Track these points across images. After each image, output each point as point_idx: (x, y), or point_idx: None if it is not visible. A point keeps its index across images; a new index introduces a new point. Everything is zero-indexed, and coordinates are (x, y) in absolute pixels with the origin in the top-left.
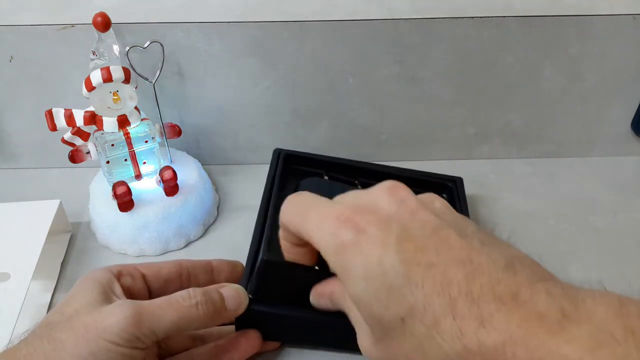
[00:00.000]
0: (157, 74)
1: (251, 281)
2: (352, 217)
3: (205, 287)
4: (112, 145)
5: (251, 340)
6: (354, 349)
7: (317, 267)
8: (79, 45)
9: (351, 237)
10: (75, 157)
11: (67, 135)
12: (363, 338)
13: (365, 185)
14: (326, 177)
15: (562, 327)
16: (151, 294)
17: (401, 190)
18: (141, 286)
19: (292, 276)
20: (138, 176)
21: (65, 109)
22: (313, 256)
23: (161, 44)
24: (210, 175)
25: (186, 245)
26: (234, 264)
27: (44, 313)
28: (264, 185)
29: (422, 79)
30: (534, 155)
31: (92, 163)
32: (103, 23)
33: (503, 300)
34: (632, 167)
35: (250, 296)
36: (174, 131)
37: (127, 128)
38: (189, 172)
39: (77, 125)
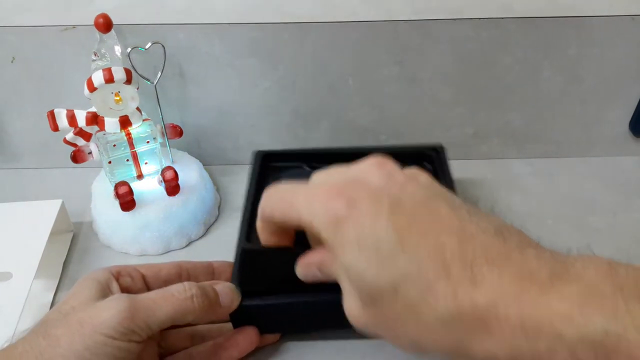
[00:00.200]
0: (159, 74)
1: (235, 273)
2: (343, 191)
3: (199, 283)
4: (114, 145)
5: (249, 337)
6: (349, 326)
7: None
8: (80, 46)
9: (343, 209)
10: (77, 157)
11: (69, 136)
12: (351, 305)
13: None
14: (307, 168)
15: (553, 285)
16: None
17: (388, 164)
18: (141, 286)
19: (274, 260)
20: (140, 176)
21: (67, 110)
22: (290, 240)
23: (162, 45)
24: (211, 175)
25: (187, 245)
26: None
27: (46, 312)
28: None
29: (422, 79)
30: (533, 156)
31: (94, 163)
32: (105, 24)
33: (495, 262)
34: (630, 167)
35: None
36: (175, 132)
37: (129, 129)
38: (190, 172)
39: (79, 125)
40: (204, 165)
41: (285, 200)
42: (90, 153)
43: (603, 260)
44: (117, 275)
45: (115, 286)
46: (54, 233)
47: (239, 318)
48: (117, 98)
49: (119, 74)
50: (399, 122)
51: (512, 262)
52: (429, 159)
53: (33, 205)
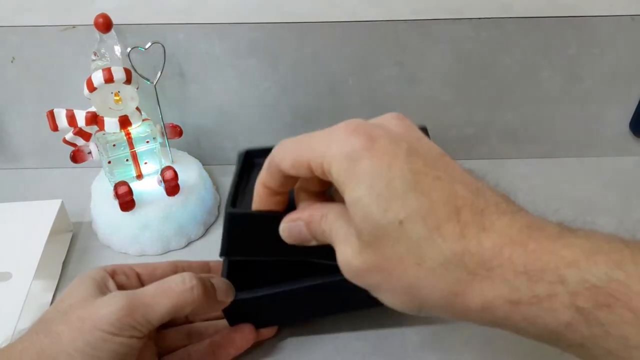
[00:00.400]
0: (158, 74)
1: (222, 240)
2: (363, 130)
3: (197, 275)
4: (114, 145)
5: (245, 334)
6: (341, 309)
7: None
8: (80, 46)
9: (363, 143)
10: (76, 157)
11: (69, 136)
12: (346, 250)
13: None
14: None
15: (561, 236)
16: None
17: (406, 119)
18: (136, 284)
19: (261, 225)
20: (139, 176)
21: (66, 110)
22: (283, 207)
23: (162, 45)
24: (210, 175)
25: (187, 245)
26: None
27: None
28: None
29: (422, 79)
30: (532, 156)
31: (93, 163)
32: (104, 24)
33: (505, 213)
34: (630, 167)
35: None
36: (175, 132)
37: (129, 128)
38: (189, 172)
39: (79, 125)
40: (203, 165)
41: (299, 143)
42: (89, 153)
43: (607, 233)
44: (113, 273)
45: (111, 284)
46: (54, 233)
47: (231, 312)
48: (117, 98)
49: (118, 73)
50: None
51: (522, 216)
52: None
53: (32, 205)
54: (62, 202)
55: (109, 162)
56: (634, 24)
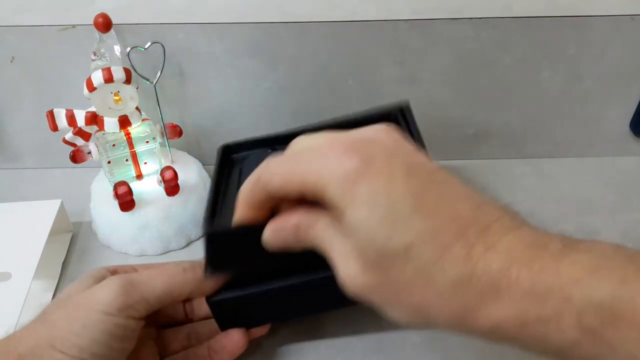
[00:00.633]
0: (158, 74)
1: (205, 259)
2: (358, 148)
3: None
4: (113, 145)
5: (235, 340)
6: (336, 305)
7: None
8: (80, 46)
9: (358, 165)
10: (76, 157)
11: (69, 136)
12: (348, 269)
13: None
14: (269, 151)
15: (564, 255)
16: None
17: (395, 131)
18: None
19: (244, 238)
20: (139, 176)
21: (66, 110)
22: (265, 217)
23: (162, 45)
24: (210, 175)
25: (187, 245)
26: None
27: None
28: None
29: (422, 79)
30: (532, 156)
31: (93, 163)
32: (104, 24)
33: (509, 230)
34: (630, 167)
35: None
36: (175, 131)
37: (128, 128)
38: (189, 172)
39: (78, 125)
40: (203, 165)
41: (288, 163)
42: (89, 153)
43: (610, 243)
44: (114, 272)
45: (110, 277)
46: (53, 233)
47: (221, 314)
48: (117, 98)
49: (118, 73)
50: None
51: (525, 232)
52: (394, 120)
53: (32, 205)
54: (62, 202)
55: (109, 162)
56: (634, 24)
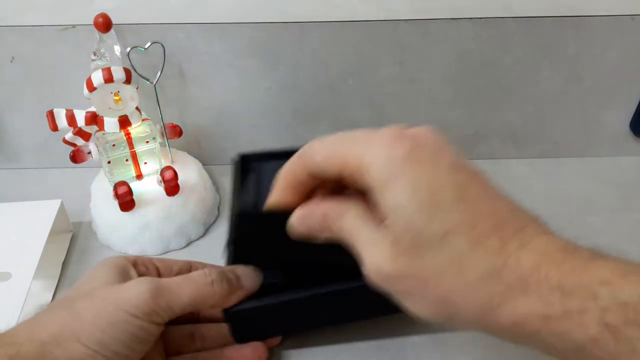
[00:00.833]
0: (158, 74)
1: (228, 239)
2: (405, 137)
3: (220, 267)
4: (113, 145)
5: (257, 351)
6: (353, 317)
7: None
8: (80, 46)
9: (408, 149)
10: (76, 157)
11: (69, 136)
12: (377, 254)
13: None
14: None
15: (594, 259)
16: None
17: (442, 134)
18: (155, 277)
19: (272, 224)
20: (139, 176)
21: (66, 110)
22: (300, 203)
23: (162, 45)
24: (211, 175)
25: (187, 245)
26: None
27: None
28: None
29: (422, 79)
30: (532, 156)
31: (93, 163)
32: (104, 24)
33: (543, 233)
34: (630, 167)
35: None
36: (175, 131)
37: (128, 128)
38: (189, 172)
39: (78, 125)
40: (203, 165)
41: (336, 139)
42: (89, 153)
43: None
44: (134, 263)
45: (133, 272)
46: (53, 233)
47: (238, 325)
48: (117, 98)
49: (118, 73)
50: (399, 122)
51: (557, 238)
52: None
53: (32, 205)
54: (62, 202)
55: (109, 162)
56: (634, 24)
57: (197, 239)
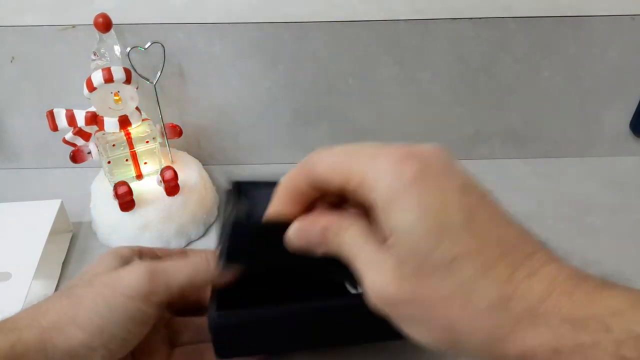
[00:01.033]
0: (158, 74)
1: (221, 249)
2: (414, 156)
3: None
4: (113, 145)
5: None
6: (345, 339)
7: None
8: (80, 46)
9: (417, 169)
10: (76, 157)
11: (69, 136)
12: (377, 275)
13: None
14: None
15: (603, 288)
16: None
17: (449, 153)
18: None
19: (269, 235)
20: (139, 176)
21: (66, 110)
22: (298, 215)
23: (162, 45)
24: (210, 175)
25: (187, 245)
26: None
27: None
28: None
29: (422, 79)
30: (533, 156)
31: (93, 163)
32: (104, 24)
33: (551, 260)
34: (630, 167)
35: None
36: (175, 131)
37: (128, 128)
38: (189, 172)
39: (78, 125)
40: (203, 165)
41: (342, 150)
42: (89, 153)
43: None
44: (140, 252)
45: (136, 260)
46: (53, 233)
47: (220, 333)
48: (117, 98)
49: (118, 73)
50: (399, 122)
51: (566, 265)
52: None
53: (32, 205)
54: (62, 202)
55: (109, 162)
56: (634, 24)
57: (197, 239)
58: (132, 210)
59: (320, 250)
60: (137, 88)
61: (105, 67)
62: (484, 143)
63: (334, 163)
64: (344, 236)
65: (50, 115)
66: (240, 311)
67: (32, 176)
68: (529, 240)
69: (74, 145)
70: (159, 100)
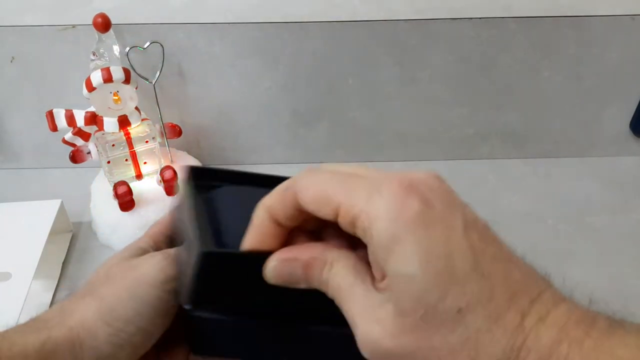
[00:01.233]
0: (158, 74)
1: (189, 286)
2: (417, 187)
3: None
4: (113, 145)
5: None
6: None
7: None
8: (79, 46)
9: (418, 205)
10: (76, 157)
11: (68, 136)
12: (372, 325)
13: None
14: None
15: (613, 332)
16: None
17: (445, 181)
18: None
19: (244, 266)
20: (139, 176)
21: (66, 110)
22: (281, 244)
23: (161, 45)
24: None
25: None
26: None
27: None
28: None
29: (422, 79)
30: (532, 156)
31: (93, 163)
32: (103, 24)
33: (559, 300)
34: (630, 167)
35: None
36: (174, 131)
37: (128, 128)
38: None
39: (78, 125)
40: (203, 165)
41: (332, 178)
42: (89, 153)
43: None
44: (155, 243)
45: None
46: (53, 233)
47: (200, 332)
48: (116, 98)
49: (117, 73)
50: (398, 122)
51: (573, 305)
52: None
53: (32, 205)
54: (62, 202)
55: (109, 162)
56: (634, 24)
57: None
58: (132, 210)
59: (303, 286)
60: (136, 88)
61: (105, 67)
62: (484, 143)
63: (322, 192)
64: (330, 273)
65: (50, 115)
66: (224, 312)
67: (32, 176)
68: (534, 278)
69: (73, 145)
70: (159, 100)
